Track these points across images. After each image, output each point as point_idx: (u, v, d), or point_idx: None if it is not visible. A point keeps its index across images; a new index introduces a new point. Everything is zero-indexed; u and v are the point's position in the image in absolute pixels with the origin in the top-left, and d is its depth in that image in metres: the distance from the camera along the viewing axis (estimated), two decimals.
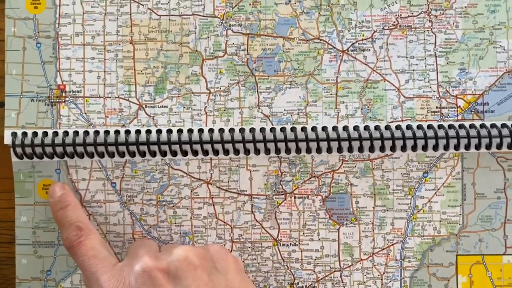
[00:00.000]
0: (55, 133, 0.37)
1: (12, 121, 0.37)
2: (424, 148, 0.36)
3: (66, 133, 0.37)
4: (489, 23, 0.37)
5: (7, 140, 0.37)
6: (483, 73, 0.37)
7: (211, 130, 0.37)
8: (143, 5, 0.38)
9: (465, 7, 0.37)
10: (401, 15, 0.37)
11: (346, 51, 0.38)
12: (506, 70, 0.37)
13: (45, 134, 0.37)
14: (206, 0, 0.38)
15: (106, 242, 0.37)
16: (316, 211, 0.37)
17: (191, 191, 0.38)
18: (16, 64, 0.37)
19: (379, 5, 0.38)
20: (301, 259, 0.38)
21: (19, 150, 0.37)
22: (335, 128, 0.37)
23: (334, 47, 0.38)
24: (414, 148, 0.36)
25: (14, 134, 0.37)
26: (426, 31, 0.37)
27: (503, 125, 0.36)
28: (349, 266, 0.38)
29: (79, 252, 0.33)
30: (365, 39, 0.38)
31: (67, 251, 0.34)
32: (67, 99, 0.38)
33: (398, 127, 0.37)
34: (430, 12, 0.37)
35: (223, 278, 0.32)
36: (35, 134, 0.37)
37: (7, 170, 0.38)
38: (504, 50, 0.37)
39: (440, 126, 0.36)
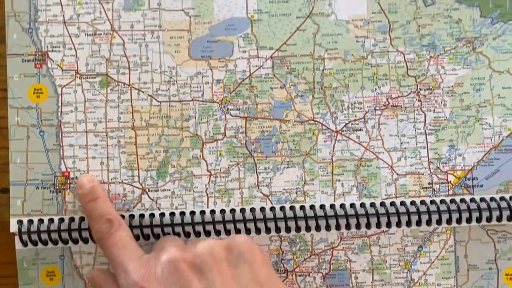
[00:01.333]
0: (61, 220, 0.38)
1: (17, 209, 0.39)
2: (418, 223, 0.38)
3: (72, 219, 0.38)
4: (475, 101, 0.40)
5: (13, 228, 0.38)
6: (471, 149, 0.40)
7: (212, 211, 0.39)
8: (143, 92, 0.40)
9: (452, 86, 0.40)
10: (391, 95, 0.40)
11: (340, 132, 0.40)
12: (493, 146, 0.40)
13: (51, 221, 0.38)
14: (205, 86, 0.40)
15: None
16: None
17: None
18: (20, 153, 0.39)
19: (370, 87, 0.40)
20: None
21: (24, 237, 0.38)
22: (332, 206, 0.39)
23: (328, 128, 0.40)
24: (408, 223, 0.38)
25: (20, 222, 0.38)
26: (415, 110, 0.40)
27: (492, 199, 0.39)
28: None
29: (109, 243, 0.35)
30: (357, 120, 0.40)
31: (97, 243, 0.36)
32: (71, 185, 0.39)
33: (392, 204, 0.39)
34: (419, 92, 0.40)
35: (249, 270, 0.32)
36: (41, 221, 0.38)
37: (11, 256, 0.39)
38: (490, 126, 0.40)
39: (432, 202, 0.39)
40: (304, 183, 0.40)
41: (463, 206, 0.38)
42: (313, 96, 0.40)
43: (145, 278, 0.32)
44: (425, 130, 0.40)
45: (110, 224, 0.35)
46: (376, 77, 0.40)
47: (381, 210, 0.38)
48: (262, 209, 0.39)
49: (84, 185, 0.37)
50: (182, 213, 0.39)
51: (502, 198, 0.39)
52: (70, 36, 0.40)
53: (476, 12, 0.40)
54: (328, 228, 0.38)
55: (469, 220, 0.38)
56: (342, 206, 0.39)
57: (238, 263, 0.32)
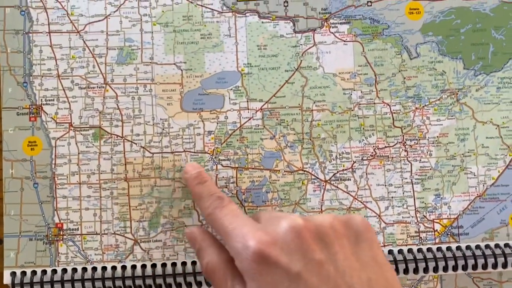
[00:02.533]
0: (54, 271, 0.39)
1: (11, 261, 0.40)
2: (405, 271, 0.40)
3: (64, 271, 0.39)
4: (460, 150, 0.42)
5: (7, 280, 0.39)
6: (457, 197, 0.41)
7: None
8: (136, 144, 0.41)
9: (437, 136, 0.42)
10: (378, 146, 0.41)
11: (329, 181, 0.41)
12: (477, 194, 0.41)
13: (44, 272, 0.39)
14: (197, 137, 0.41)
15: None
16: None
17: None
18: (14, 205, 0.40)
19: (357, 138, 0.41)
20: None
21: None
22: None
23: (317, 178, 0.41)
24: (395, 272, 0.39)
25: (13, 274, 0.39)
26: (402, 160, 0.41)
27: (477, 247, 0.40)
28: None
29: (221, 213, 0.35)
30: (345, 170, 0.41)
31: (207, 217, 0.36)
32: (65, 237, 0.40)
33: (390, 252, 0.40)
34: (405, 143, 0.41)
35: (368, 249, 0.31)
36: (34, 273, 0.39)
37: None
38: (475, 175, 0.41)
39: (419, 250, 0.40)
40: None
41: (449, 254, 0.40)
42: (302, 146, 0.41)
43: (265, 243, 0.30)
44: (411, 180, 0.41)
45: (221, 200, 0.36)
46: (363, 128, 0.41)
47: None
48: None
49: (190, 170, 0.39)
50: (174, 264, 0.40)
51: (487, 246, 0.40)
52: (64, 90, 0.41)
53: (459, 64, 0.42)
54: None
55: (455, 268, 0.40)
56: None
57: (357, 241, 0.31)
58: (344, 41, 0.42)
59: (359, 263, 0.30)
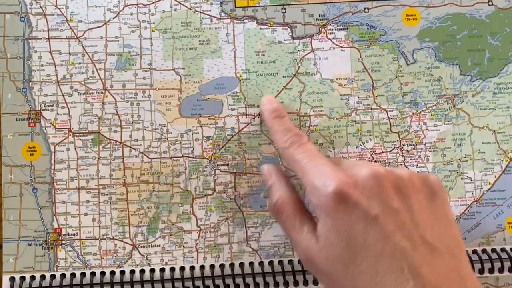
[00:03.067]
0: (53, 276, 0.40)
1: (10, 266, 0.40)
2: None
3: (63, 276, 0.40)
4: (456, 156, 0.42)
5: (5, 285, 0.39)
6: (454, 203, 0.42)
7: (202, 267, 0.40)
8: (135, 149, 0.41)
9: (434, 141, 0.42)
10: (375, 151, 0.42)
11: None
12: (474, 199, 0.42)
13: (43, 277, 0.39)
14: (195, 142, 0.41)
15: None
16: None
17: None
18: (13, 210, 0.40)
19: (355, 143, 0.42)
20: None
21: None
22: None
23: None
24: None
25: (12, 279, 0.39)
26: (399, 165, 0.42)
27: (474, 251, 0.41)
28: None
29: (300, 149, 0.36)
30: None
31: (284, 151, 0.37)
32: (63, 242, 0.40)
33: None
34: (402, 148, 0.42)
35: (442, 207, 0.33)
36: (32, 278, 0.39)
37: None
38: (471, 180, 0.42)
39: None
40: None
41: None
42: None
43: (347, 184, 0.31)
44: None
45: (300, 137, 0.36)
46: (361, 134, 0.42)
47: None
48: (251, 264, 0.40)
49: (268, 102, 0.40)
50: (172, 269, 0.40)
51: (483, 251, 0.41)
52: (63, 95, 0.41)
53: (455, 70, 0.43)
54: (315, 282, 0.40)
55: None
56: None
57: (432, 198, 0.33)
58: (342, 47, 0.42)
59: (432, 218, 0.32)
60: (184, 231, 0.41)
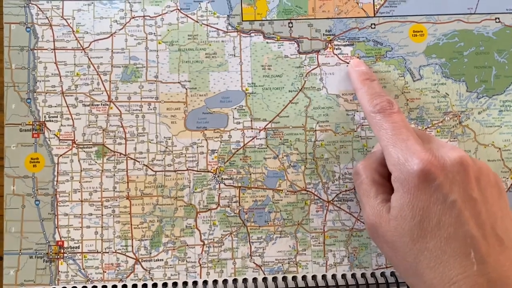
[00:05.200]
0: None
1: (10, 278, 0.40)
2: None
3: None
4: None
5: None
6: None
7: (205, 282, 0.40)
8: (139, 162, 0.42)
9: None
10: None
11: (332, 202, 0.42)
12: None
13: None
14: (200, 156, 0.42)
15: None
16: None
17: None
18: (15, 222, 0.41)
19: (360, 158, 0.42)
20: None
21: None
22: (324, 277, 0.41)
23: (320, 198, 0.42)
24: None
25: None
26: None
27: None
28: None
29: (390, 118, 0.36)
30: (348, 190, 0.42)
31: (371, 115, 0.37)
32: (65, 255, 0.41)
33: (382, 275, 0.41)
34: None
35: (505, 205, 0.35)
36: None
37: None
38: None
39: None
40: (297, 253, 0.41)
41: None
42: (305, 166, 0.42)
43: (432, 163, 0.33)
44: None
45: (391, 104, 0.37)
46: (366, 149, 0.42)
47: (371, 281, 0.40)
48: (254, 280, 0.40)
49: (357, 64, 0.41)
50: (175, 284, 0.40)
51: None
52: (67, 107, 0.42)
53: (462, 87, 0.43)
54: None
55: None
56: (333, 276, 0.41)
57: (500, 195, 0.35)
58: (348, 62, 0.43)
59: (501, 213, 0.34)
60: (187, 245, 0.41)
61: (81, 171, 0.41)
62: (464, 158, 0.34)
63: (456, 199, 0.32)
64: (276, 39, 0.43)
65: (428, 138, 0.37)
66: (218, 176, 0.42)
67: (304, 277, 0.41)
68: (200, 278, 0.41)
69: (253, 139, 0.42)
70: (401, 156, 0.34)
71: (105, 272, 0.41)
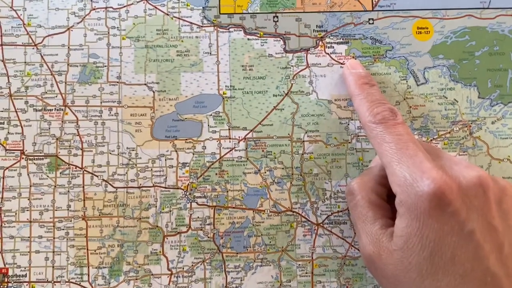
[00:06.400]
0: None
1: None
2: None
3: None
4: None
5: None
6: None
7: None
8: (97, 177, 0.36)
9: None
10: None
11: (321, 224, 0.37)
12: None
13: None
14: (169, 170, 0.37)
15: None
16: None
17: None
18: None
19: (355, 174, 0.37)
20: None
21: None
22: None
23: (308, 220, 0.37)
24: None
25: None
26: None
27: None
28: None
29: (394, 130, 0.31)
30: (341, 211, 0.37)
31: (370, 126, 0.32)
32: (9, 285, 0.35)
33: None
34: None
35: None
36: None
37: None
38: None
39: None
40: (280, 284, 0.36)
41: None
42: (291, 183, 0.37)
43: (446, 185, 0.28)
44: None
45: (394, 114, 0.32)
46: (362, 164, 0.37)
47: None
48: None
49: (354, 66, 0.37)
50: None
51: None
52: (16, 111, 0.37)
53: (473, 92, 0.38)
54: None
55: None
56: None
57: None
58: (341, 63, 0.38)
59: None
60: (152, 274, 0.36)
61: (30, 186, 0.36)
62: (483, 177, 0.29)
63: (474, 228, 0.28)
64: (258, 35, 0.38)
65: (437, 153, 0.32)
66: (190, 194, 0.37)
67: None
68: None
69: (231, 150, 0.37)
70: (408, 175, 0.29)
71: None
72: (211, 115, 0.37)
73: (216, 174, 0.37)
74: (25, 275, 0.36)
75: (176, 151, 0.37)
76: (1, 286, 0.35)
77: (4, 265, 0.36)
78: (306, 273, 0.36)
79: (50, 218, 0.36)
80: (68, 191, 0.36)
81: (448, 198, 0.28)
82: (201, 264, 0.36)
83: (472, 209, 0.28)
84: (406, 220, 0.29)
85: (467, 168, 0.30)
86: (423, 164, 0.29)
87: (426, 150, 0.31)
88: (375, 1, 0.39)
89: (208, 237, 0.36)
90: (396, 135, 0.31)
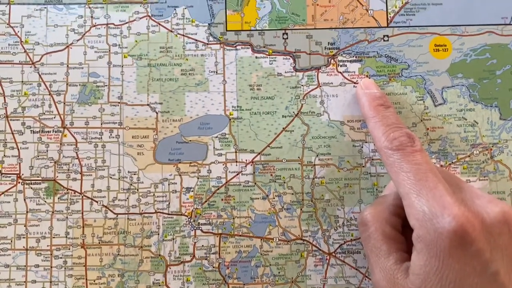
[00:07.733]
0: None
1: None
2: None
3: None
4: None
5: None
6: None
7: None
8: (97, 202, 0.35)
9: None
10: None
11: (334, 254, 0.35)
12: None
13: None
14: (172, 195, 0.35)
15: None
16: None
17: None
18: None
19: (369, 200, 0.35)
20: None
21: None
22: None
23: (320, 249, 0.35)
24: None
25: None
26: None
27: None
28: None
29: (413, 159, 0.29)
30: (354, 240, 0.35)
31: (387, 152, 0.30)
32: None
33: None
34: None
35: None
36: None
37: None
38: None
39: None
40: None
41: None
42: (301, 209, 0.36)
43: (469, 222, 0.26)
44: None
45: (412, 140, 0.31)
46: (377, 189, 0.36)
47: None
48: None
49: (369, 86, 0.35)
50: None
51: None
52: (12, 133, 0.36)
53: (494, 113, 0.37)
54: None
55: None
56: None
57: None
58: (355, 82, 0.36)
59: None
60: None
61: (27, 212, 0.35)
62: (508, 214, 0.28)
63: (498, 269, 0.26)
64: (267, 53, 0.37)
65: (458, 184, 0.30)
66: (194, 221, 0.35)
67: None
68: None
69: (237, 174, 0.36)
70: (427, 209, 0.27)
71: None
72: (217, 137, 0.36)
73: (222, 199, 0.35)
74: None
75: (180, 175, 0.35)
76: None
77: None
78: None
79: (48, 246, 0.35)
80: (67, 217, 0.35)
81: (471, 237, 0.26)
82: None
83: (496, 249, 0.27)
84: (425, 257, 0.27)
85: (491, 203, 0.28)
86: (444, 198, 0.27)
87: (445, 180, 0.29)
88: (390, 17, 0.37)
89: (213, 267, 0.35)
90: (415, 164, 0.29)
